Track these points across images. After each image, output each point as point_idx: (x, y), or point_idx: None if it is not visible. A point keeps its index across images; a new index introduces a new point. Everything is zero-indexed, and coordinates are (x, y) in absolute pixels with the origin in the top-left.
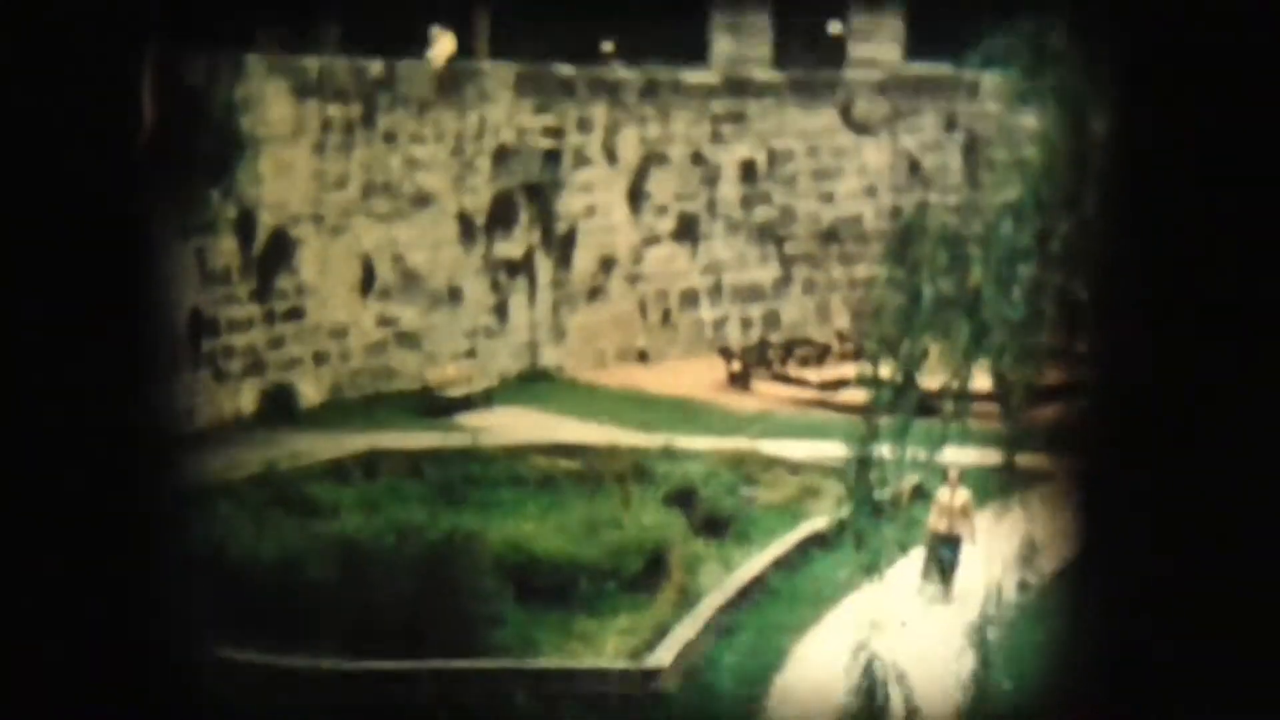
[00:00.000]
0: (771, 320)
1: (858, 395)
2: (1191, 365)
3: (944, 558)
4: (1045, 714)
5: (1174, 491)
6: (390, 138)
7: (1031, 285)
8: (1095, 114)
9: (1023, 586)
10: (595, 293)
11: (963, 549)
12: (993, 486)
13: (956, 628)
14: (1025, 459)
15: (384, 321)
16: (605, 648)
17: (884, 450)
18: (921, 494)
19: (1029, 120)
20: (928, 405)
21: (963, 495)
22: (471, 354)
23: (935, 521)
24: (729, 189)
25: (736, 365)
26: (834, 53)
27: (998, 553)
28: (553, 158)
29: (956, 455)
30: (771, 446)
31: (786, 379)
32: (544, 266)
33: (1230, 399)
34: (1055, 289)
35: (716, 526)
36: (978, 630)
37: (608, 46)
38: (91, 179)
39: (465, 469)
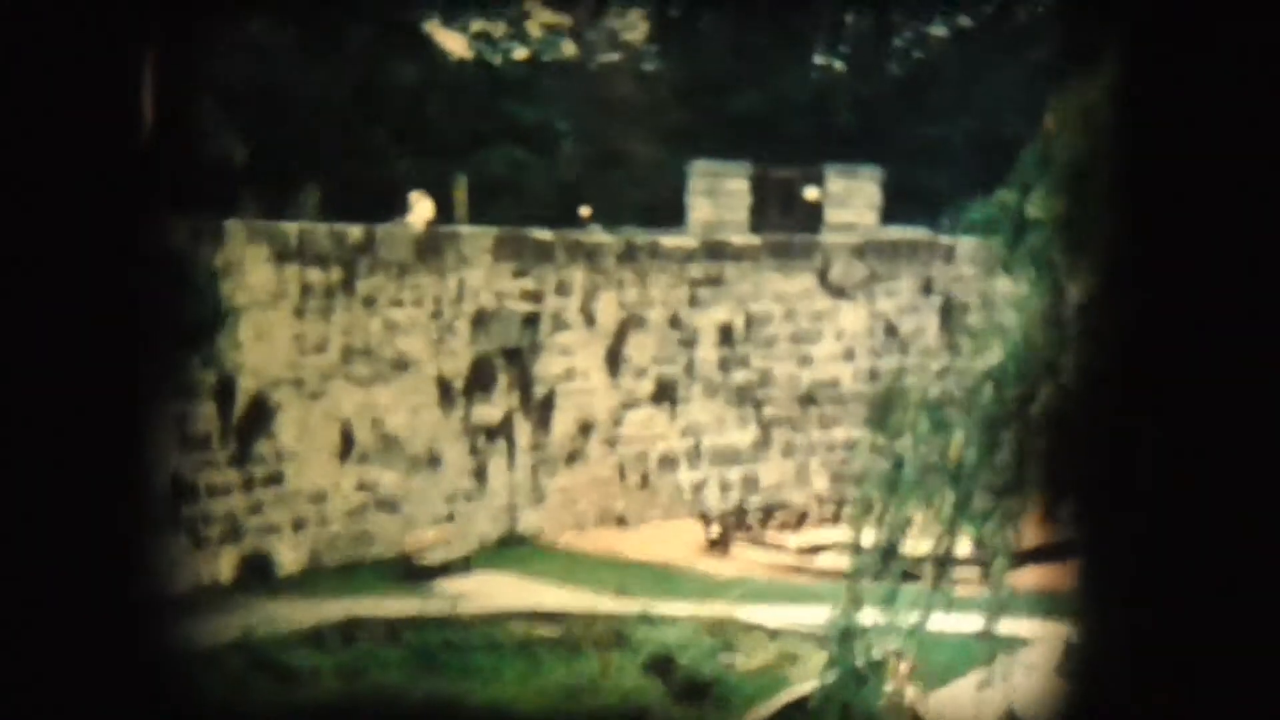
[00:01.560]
0: (750, 483)
1: (837, 560)
2: (1180, 528)
3: None
4: None
5: (1166, 651)
6: (370, 302)
7: (1013, 451)
8: (1072, 280)
9: None
10: (574, 456)
11: None
12: (975, 653)
13: None
14: (1007, 624)
15: (363, 486)
16: None
17: (867, 617)
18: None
19: (1006, 285)
20: (910, 571)
21: (911, 692)
22: (450, 518)
23: None
24: (707, 352)
25: (715, 529)
26: (811, 217)
27: None
28: (531, 321)
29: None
30: (750, 612)
31: (765, 543)
32: (523, 430)
33: (1222, 560)
34: (1037, 454)
35: (696, 693)
36: None
37: (585, 211)
38: (80, 356)
39: (444, 635)
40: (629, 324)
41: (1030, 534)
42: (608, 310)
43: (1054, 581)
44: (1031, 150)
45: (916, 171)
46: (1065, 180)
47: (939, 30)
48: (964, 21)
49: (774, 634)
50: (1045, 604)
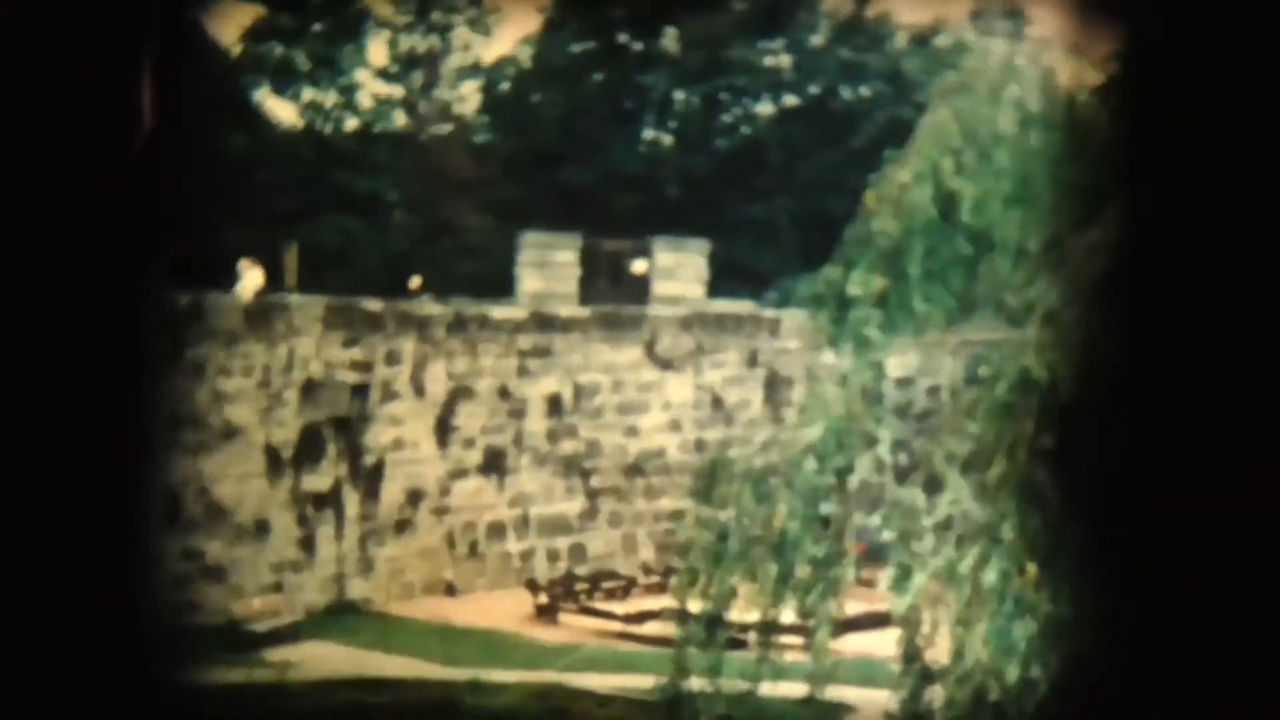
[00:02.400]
0: (578, 552)
1: (664, 628)
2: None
3: None
4: None
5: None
6: (198, 370)
7: (834, 523)
8: (892, 356)
9: None
10: (403, 525)
11: None
12: (799, 718)
13: None
14: (831, 691)
15: (189, 555)
16: None
17: (693, 684)
18: None
19: (829, 359)
20: (736, 639)
21: None
22: (278, 587)
23: None
24: (536, 422)
25: (543, 597)
26: (639, 289)
27: None
28: (361, 391)
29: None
30: (579, 679)
31: (593, 611)
32: (351, 499)
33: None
34: (858, 527)
35: None
36: None
37: (416, 281)
38: None
39: (271, 705)
40: (458, 394)
41: (852, 603)
42: (437, 380)
43: (874, 648)
44: (852, 229)
45: (743, 246)
46: (882, 259)
47: (766, 108)
48: (790, 100)
49: (603, 701)
50: (867, 671)
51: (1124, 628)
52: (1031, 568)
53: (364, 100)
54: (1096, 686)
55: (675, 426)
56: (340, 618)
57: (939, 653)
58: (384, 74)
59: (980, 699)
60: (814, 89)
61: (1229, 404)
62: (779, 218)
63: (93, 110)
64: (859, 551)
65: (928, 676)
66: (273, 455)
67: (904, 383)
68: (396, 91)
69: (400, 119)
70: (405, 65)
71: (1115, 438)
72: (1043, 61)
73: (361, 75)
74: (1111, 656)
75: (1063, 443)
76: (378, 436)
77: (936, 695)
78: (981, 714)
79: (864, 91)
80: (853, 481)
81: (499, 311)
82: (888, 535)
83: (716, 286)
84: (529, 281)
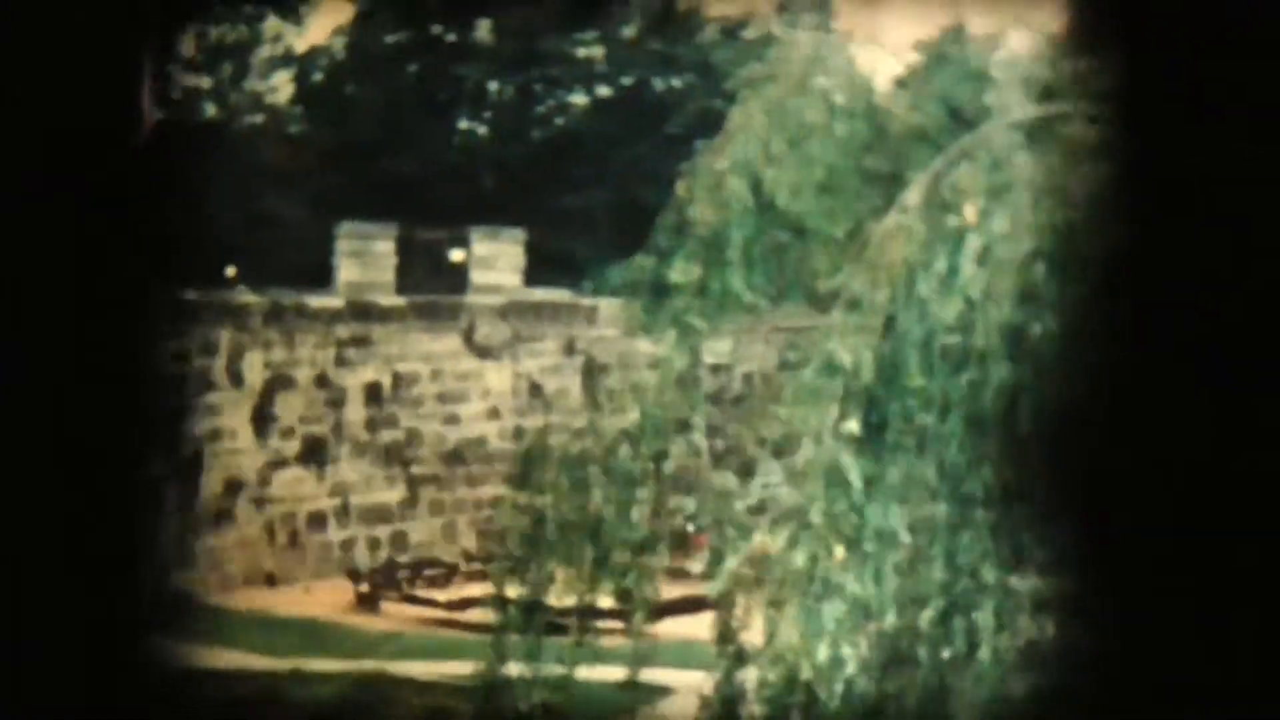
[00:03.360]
0: (399, 541)
1: (486, 615)
2: None
3: None
4: None
5: None
6: None
7: (649, 507)
8: (708, 341)
9: None
10: (222, 516)
11: None
12: (619, 702)
13: None
14: (649, 674)
15: None
16: None
17: (512, 669)
18: (551, 713)
19: (644, 346)
20: (555, 624)
21: None
22: None
23: None
24: (355, 411)
25: (365, 586)
26: (456, 279)
27: None
28: (177, 381)
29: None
30: (401, 667)
31: (415, 599)
32: (170, 491)
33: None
34: (672, 511)
35: None
36: None
37: (231, 271)
38: None
39: None
40: (276, 384)
41: (669, 587)
42: (254, 370)
43: (692, 632)
44: (664, 217)
45: (559, 236)
46: (702, 246)
47: (580, 99)
48: (603, 91)
49: (425, 688)
50: (684, 654)
51: (925, 606)
52: (839, 550)
53: (172, 92)
54: (901, 662)
55: (494, 414)
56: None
57: (754, 634)
58: (191, 65)
59: (792, 678)
60: (627, 80)
61: (1029, 384)
62: (594, 207)
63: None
64: (699, 543)
65: (741, 658)
66: None
67: (719, 369)
68: (206, 82)
69: (211, 109)
70: (214, 56)
71: (918, 420)
72: (846, 53)
73: (171, 66)
74: (912, 634)
75: (868, 427)
76: (195, 427)
77: (750, 676)
78: (793, 693)
79: (675, 83)
80: (667, 466)
81: (316, 301)
82: (702, 520)
83: (533, 276)
84: (346, 271)
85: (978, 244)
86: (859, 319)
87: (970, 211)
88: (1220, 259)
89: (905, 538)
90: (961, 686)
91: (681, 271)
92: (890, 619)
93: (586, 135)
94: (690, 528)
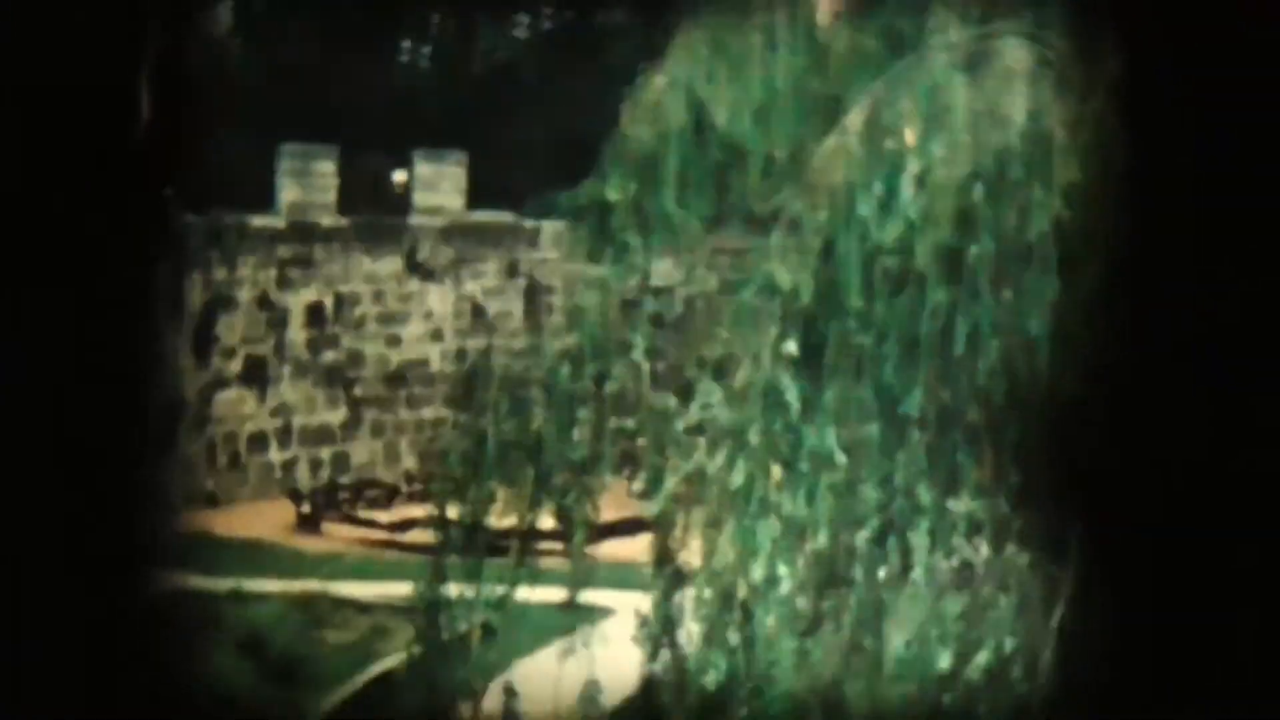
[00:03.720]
0: (341, 462)
1: (427, 536)
2: None
3: None
4: None
5: None
6: None
7: (590, 428)
8: (648, 263)
9: None
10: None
11: None
12: (559, 623)
13: None
14: (587, 595)
15: None
16: None
17: (453, 590)
18: (492, 634)
19: (587, 268)
20: (495, 545)
21: None
22: None
23: None
24: (296, 333)
25: (306, 507)
26: (398, 200)
27: (562, 690)
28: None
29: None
30: (342, 587)
31: (356, 520)
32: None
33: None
34: (613, 431)
35: (287, 672)
36: None
37: (170, 192)
38: None
39: None
40: (216, 304)
41: (610, 509)
42: (194, 291)
43: (632, 554)
44: (611, 144)
45: (501, 166)
46: (637, 166)
47: (522, 31)
48: (546, 24)
49: (365, 609)
50: (624, 575)
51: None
52: (776, 470)
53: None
54: (837, 581)
55: (437, 336)
56: None
57: (692, 555)
58: None
59: (728, 597)
60: (569, 12)
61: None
62: (535, 139)
63: None
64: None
65: (679, 578)
66: None
67: (662, 292)
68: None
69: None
70: None
71: (856, 342)
72: None
73: None
74: (848, 554)
75: (806, 348)
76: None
77: (688, 596)
78: (728, 610)
79: (617, 15)
80: (608, 387)
81: (258, 221)
82: (641, 441)
83: (476, 204)
84: (288, 192)
85: (916, 167)
86: (798, 241)
87: (909, 135)
88: (1164, 189)
89: (840, 459)
90: (897, 605)
91: (618, 190)
92: (824, 539)
93: (528, 67)
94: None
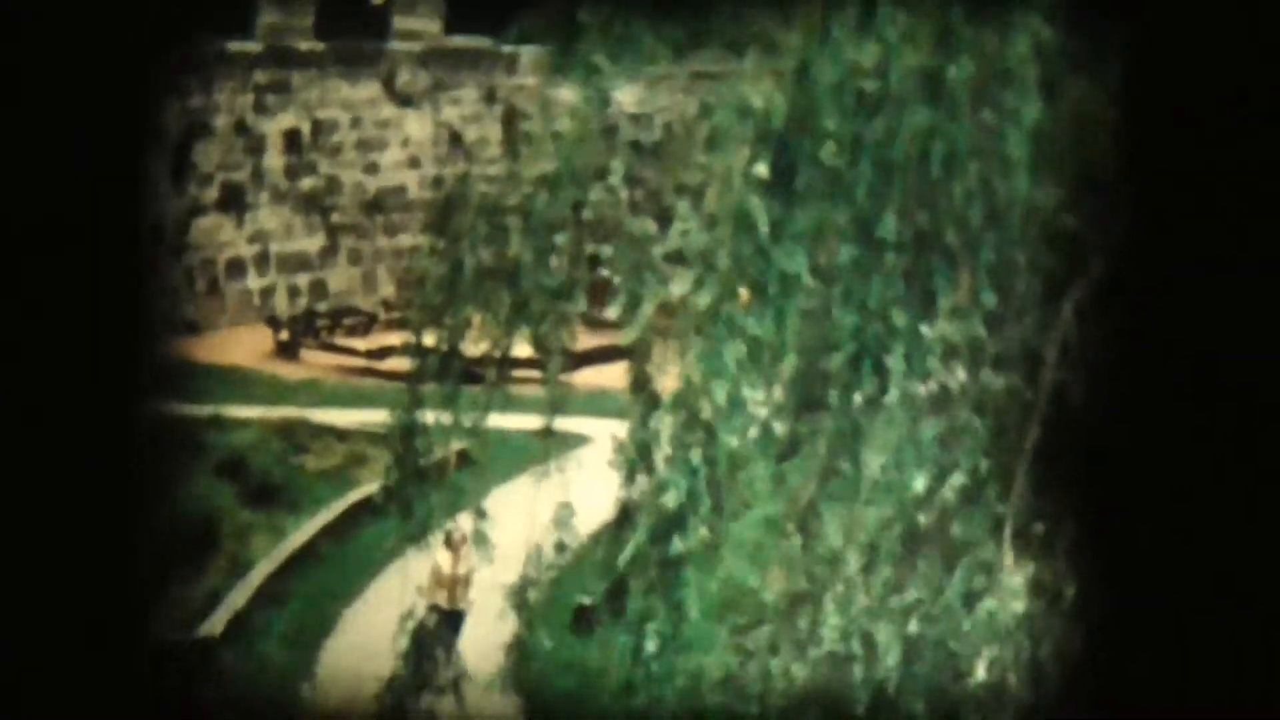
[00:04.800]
0: (318, 289)
1: (404, 363)
2: None
3: (443, 638)
4: None
5: None
6: None
7: (566, 254)
8: (622, 88)
9: (560, 548)
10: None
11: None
12: (534, 450)
13: (498, 590)
14: (563, 423)
15: None
16: None
17: (429, 417)
18: (468, 461)
19: (565, 93)
20: (471, 373)
21: (469, 561)
22: None
23: (432, 593)
24: (274, 159)
25: (284, 334)
26: (377, 24)
27: (537, 516)
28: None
29: (498, 420)
30: (320, 414)
31: (334, 347)
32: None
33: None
34: (589, 258)
35: (266, 495)
36: (518, 592)
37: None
38: None
39: None
40: (193, 131)
41: (585, 337)
42: (171, 116)
43: (608, 381)
44: None
45: None
46: None
47: None
48: None
49: (343, 435)
50: (600, 402)
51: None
52: (743, 292)
53: None
54: (814, 406)
55: (414, 163)
56: None
57: (668, 380)
58: None
59: (694, 418)
60: None
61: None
62: None
63: None
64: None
65: (654, 403)
66: None
67: (640, 118)
68: None
69: None
70: None
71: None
72: None
73: None
74: (824, 378)
75: (777, 170)
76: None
77: (663, 421)
78: (694, 429)
79: None
80: (585, 214)
81: (235, 45)
82: (619, 267)
83: (454, 22)
84: (266, 15)
85: None
86: (773, 62)
87: None
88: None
89: (808, 280)
90: (872, 428)
91: (589, 12)
92: (794, 362)
93: None
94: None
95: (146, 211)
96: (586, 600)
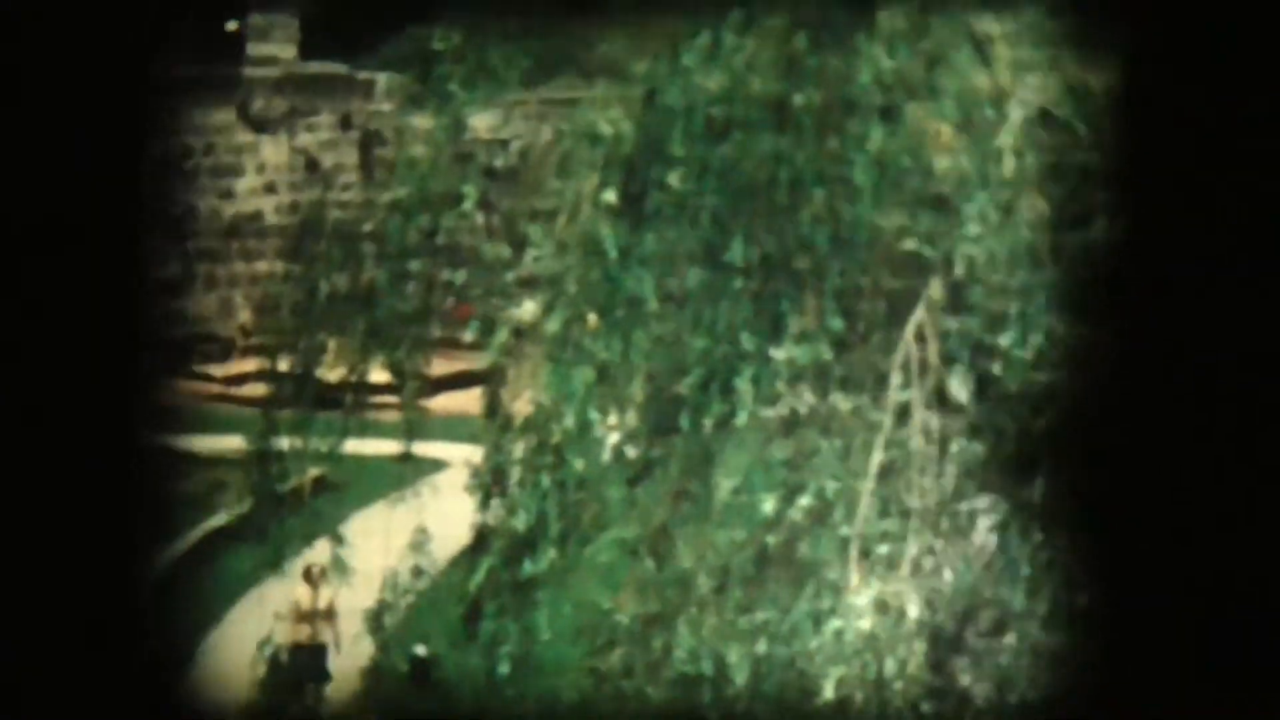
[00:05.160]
0: (176, 316)
1: (261, 389)
2: None
3: (308, 671)
4: None
5: None
6: None
7: (421, 280)
8: (480, 114)
9: (417, 572)
10: None
11: (330, 657)
12: (390, 475)
13: (355, 614)
14: (421, 448)
15: None
16: None
17: (284, 443)
18: (324, 487)
19: (421, 120)
20: (328, 398)
21: (327, 594)
22: None
23: (294, 630)
24: None
25: None
26: (231, 50)
27: (394, 541)
28: None
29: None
30: (177, 441)
31: (191, 374)
32: None
33: None
34: (444, 283)
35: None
36: (375, 616)
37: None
38: None
39: None
40: None
41: (442, 362)
42: None
43: (466, 406)
44: None
45: (335, 10)
46: (462, 15)
47: None
48: None
49: (202, 462)
50: (457, 427)
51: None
52: (592, 317)
53: None
54: (666, 429)
55: (270, 189)
56: None
57: (523, 405)
58: None
59: (544, 442)
60: None
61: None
62: None
63: None
64: (463, 313)
65: (507, 427)
66: None
67: (494, 144)
68: None
69: None
70: None
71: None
72: None
73: None
74: (675, 402)
75: (626, 196)
76: None
77: (515, 445)
78: (544, 453)
79: None
80: (440, 239)
81: None
82: (473, 292)
83: (309, 49)
84: None
85: (741, 15)
86: (622, 89)
87: None
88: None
89: (654, 305)
90: (723, 451)
91: (442, 40)
92: (642, 386)
93: None
94: (451, 301)
95: (147, 211)
96: (421, 651)
